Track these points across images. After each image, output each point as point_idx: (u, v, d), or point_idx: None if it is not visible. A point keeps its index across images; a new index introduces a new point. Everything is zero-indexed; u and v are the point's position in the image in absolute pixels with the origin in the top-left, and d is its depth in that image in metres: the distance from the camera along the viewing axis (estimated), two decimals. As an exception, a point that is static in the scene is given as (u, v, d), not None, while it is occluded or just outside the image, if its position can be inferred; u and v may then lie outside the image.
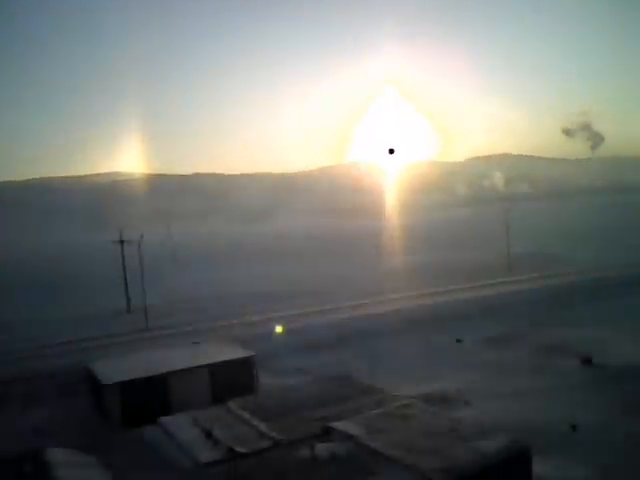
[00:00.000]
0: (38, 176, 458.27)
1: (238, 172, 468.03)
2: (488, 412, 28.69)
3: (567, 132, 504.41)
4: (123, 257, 67.89)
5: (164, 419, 24.23)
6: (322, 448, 19.58)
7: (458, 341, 45.14)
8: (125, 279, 67.18)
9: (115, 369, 33.43)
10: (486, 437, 19.68)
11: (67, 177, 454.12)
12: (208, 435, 21.86)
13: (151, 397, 30.45)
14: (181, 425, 23.32)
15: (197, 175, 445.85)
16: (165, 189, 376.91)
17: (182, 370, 32.34)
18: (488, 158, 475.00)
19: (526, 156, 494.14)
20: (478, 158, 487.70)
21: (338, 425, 21.30)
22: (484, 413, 28.51)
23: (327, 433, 21.08)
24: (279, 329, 47.68)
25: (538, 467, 19.85)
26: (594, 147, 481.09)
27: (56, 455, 20.90)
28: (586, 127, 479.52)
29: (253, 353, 34.67)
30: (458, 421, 22.62)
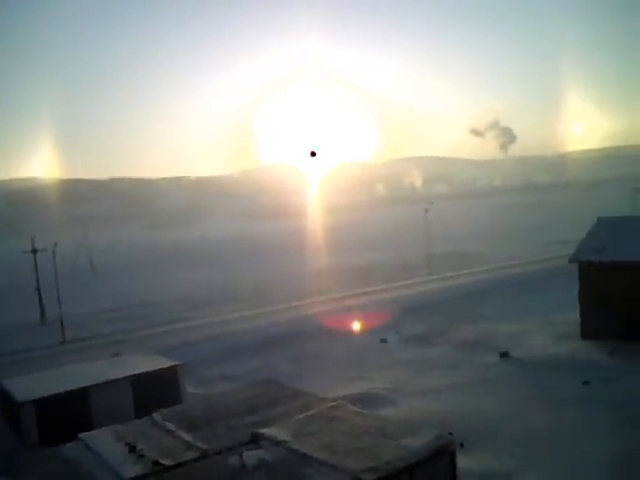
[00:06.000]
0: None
1: (156, 176, 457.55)
2: (413, 409, 29.43)
3: (476, 132, 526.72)
4: (36, 266, 64.86)
5: (84, 435, 23.22)
6: (250, 455, 19.38)
7: (382, 341, 45.90)
8: (38, 290, 64.15)
9: (31, 385, 31.80)
10: (411, 434, 20.09)
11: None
12: (132, 449, 21.12)
13: (70, 413, 29.19)
14: (102, 440, 22.42)
15: (114, 180, 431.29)
16: (81, 195, 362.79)
17: (102, 384, 31.12)
18: (408, 160, 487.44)
19: (443, 158, 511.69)
20: (398, 160, 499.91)
21: (266, 431, 21.16)
22: (409, 410, 29.23)
23: (255, 440, 20.88)
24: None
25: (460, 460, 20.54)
26: (505, 147, 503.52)
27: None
28: (494, 127, 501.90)
29: (178, 362, 33.92)
30: (384, 420, 23.00)
